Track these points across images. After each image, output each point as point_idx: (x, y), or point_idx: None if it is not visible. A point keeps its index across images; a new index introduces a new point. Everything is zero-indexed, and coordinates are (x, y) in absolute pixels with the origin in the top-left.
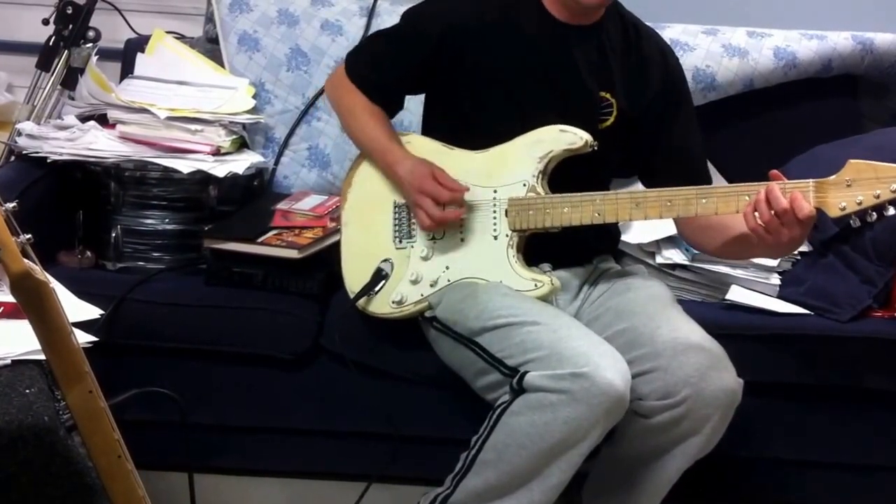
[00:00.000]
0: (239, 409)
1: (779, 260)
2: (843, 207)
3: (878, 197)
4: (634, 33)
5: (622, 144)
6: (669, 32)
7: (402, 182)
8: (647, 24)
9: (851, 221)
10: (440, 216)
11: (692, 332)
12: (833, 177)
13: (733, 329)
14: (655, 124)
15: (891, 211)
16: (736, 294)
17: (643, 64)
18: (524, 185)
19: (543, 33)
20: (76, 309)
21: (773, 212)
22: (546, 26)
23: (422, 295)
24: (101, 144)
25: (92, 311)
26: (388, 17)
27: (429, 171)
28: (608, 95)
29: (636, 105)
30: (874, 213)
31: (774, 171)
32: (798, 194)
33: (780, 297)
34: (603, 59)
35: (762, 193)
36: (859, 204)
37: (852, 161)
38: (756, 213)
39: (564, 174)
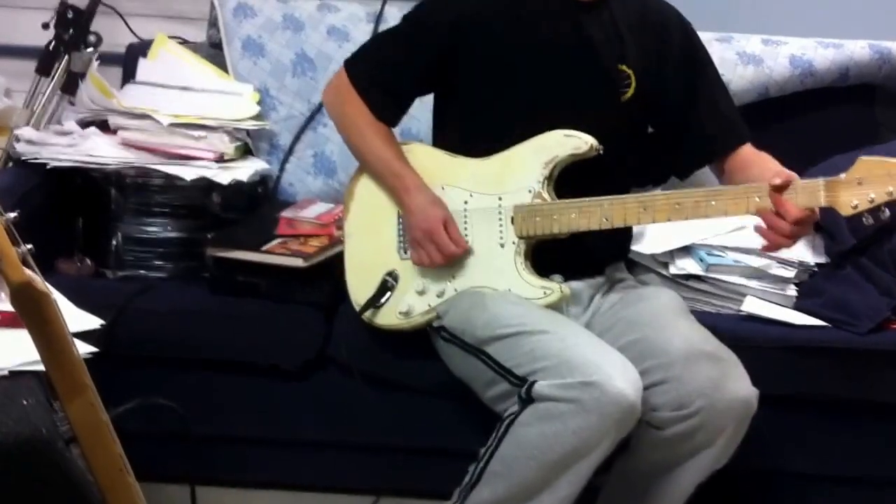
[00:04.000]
0: (243, 420)
1: (795, 272)
2: (855, 206)
3: (890, 194)
4: (642, 4)
5: (645, 118)
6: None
7: (412, 215)
8: None
9: (864, 220)
10: (438, 261)
11: (705, 342)
12: (844, 175)
13: (749, 341)
14: (684, 90)
15: None
16: (751, 305)
17: (661, 30)
18: (530, 191)
19: (552, 13)
20: (76, 319)
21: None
22: (554, 5)
23: (429, 305)
24: (102, 151)
25: (92, 322)
26: (395, 23)
27: (441, 219)
28: (625, 68)
29: (656, 75)
30: (886, 210)
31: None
32: (790, 206)
33: (798, 308)
34: (617, 31)
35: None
36: (871, 201)
37: (863, 158)
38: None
39: (577, 184)
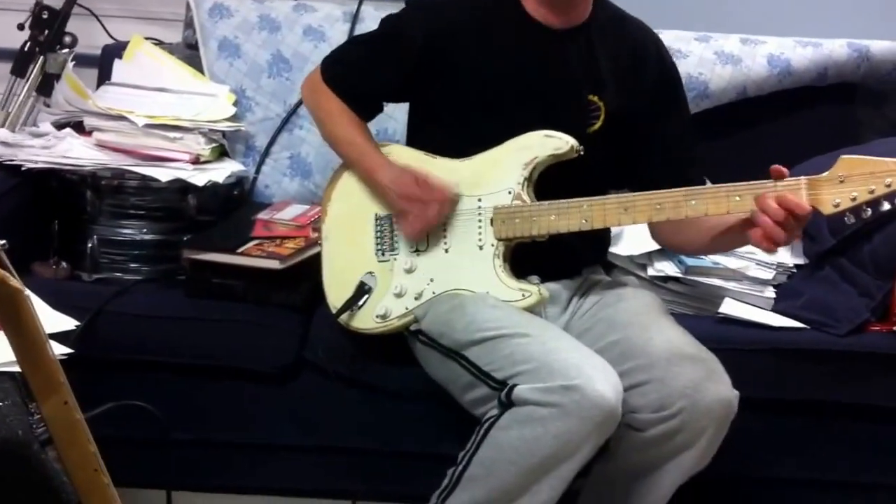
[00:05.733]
0: (219, 424)
1: (774, 273)
2: (836, 204)
3: (872, 192)
4: (623, 29)
5: (611, 148)
6: (662, 38)
7: (386, 191)
8: None
9: (846, 218)
10: (428, 218)
11: (686, 343)
12: (826, 173)
13: (728, 343)
14: (649, 123)
15: (885, 206)
16: (729, 307)
17: (636, 60)
18: (509, 192)
19: (526, 39)
20: (50, 320)
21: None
22: (529, 32)
23: (406, 308)
24: (77, 152)
25: (67, 323)
26: (372, 23)
27: (412, 178)
28: (596, 99)
29: (627, 106)
30: (868, 209)
31: (776, 167)
32: (787, 193)
33: (776, 310)
34: (592, 60)
35: (773, 204)
36: (853, 200)
37: (844, 157)
38: (773, 228)
39: (554, 181)
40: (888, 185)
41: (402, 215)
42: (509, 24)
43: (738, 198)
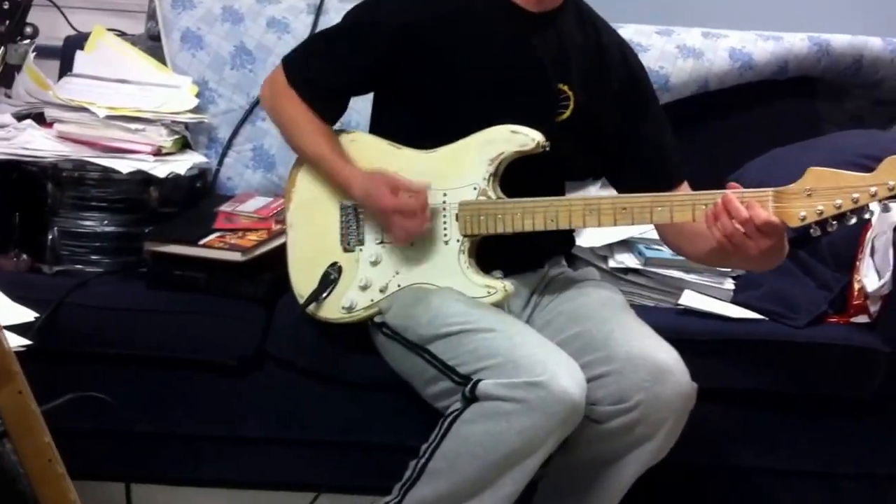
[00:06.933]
0: (181, 416)
1: None
2: (803, 217)
3: (838, 207)
4: (592, 27)
5: (580, 140)
6: (623, 32)
7: (364, 203)
8: None
9: (811, 231)
10: (415, 226)
11: (646, 336)
12: (793, 185)
13: (687, 334)
14: (622, 125)
15: (852, 220)
16: (689, 299)
17: (602, 58)
18: (475, 188)
19: (501, 20)
20: (9, 311)
21: (734, 222)
22: (504, 12)
23: (372, 301)
24: (37, 144)
25: (26, 315)
26: (337, 15)
27: (385, 187)
28: (566, 88)
29: (595, 100)
30: (834, 223)
31: (732, 183)
32: (755, 203)
33: (736, 301)
34: (562, 49)
35: (720, 204)
36: (819, 214)
37: (812, 169)
38: (718, 224)
39: (518, 175)
40: (855, 201)
41: (386, 228)
42: (482, 5)
43: (704, 206)
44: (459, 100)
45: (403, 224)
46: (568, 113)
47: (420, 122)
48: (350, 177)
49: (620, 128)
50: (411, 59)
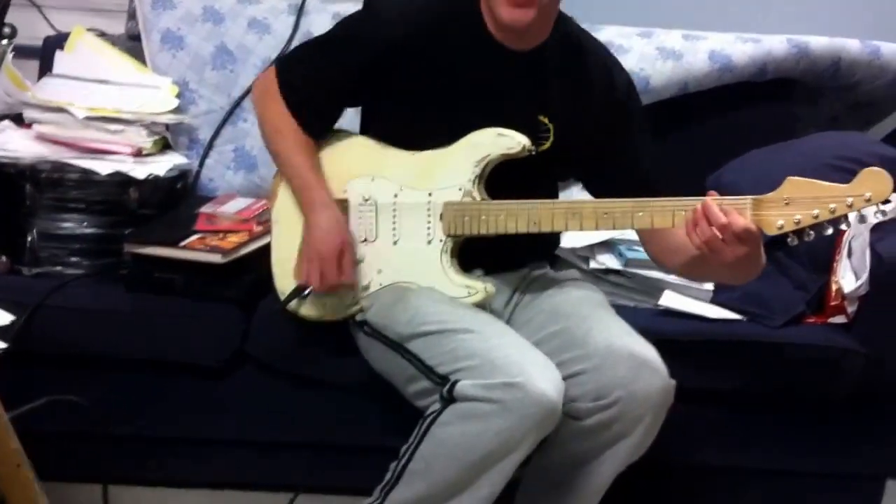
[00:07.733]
0: (160, 419)
1: None
2: (780, 226)
3: (816, 217)
4: (578, 51)
5: (561, 166)
6: (604, 34)
7: (312, 231)
8: (584, 26)
9: (789, 240)
10: (318, 287)
11: (624, 334)
12: (772, 193)
13: (667, 334)
14: (601, 144)
15: (829, 230)
16: (669, 299)
17: (585, 85)
18: (460, 189)
19: (479, 53)
20: None
21: (713, 228)
22: (482, 46)
23: (353, 298)
24: (15, 144)
25: (3, 317)
26: (318, 16)
27: (338, 247)
28: (545, 120)
29: (576, 127)
30: (812, 233)
31: (711, 192)
32: (733, 210)
33: (714, 301)
34: (541, 83)
35: (700, 210)
36: (797, 223)
37: (791, 178)
38: (697, 230)
39: (504, 178)
40: (832, 212)
41: (305, 258)
42: (467, 39)
43: (684, 212)
44: (437, 125)
45: (314, 275)
46: (548, 144)
47: (399, 138)
48: (317, 201)
49: (600, 148)
50: (393, 77)
